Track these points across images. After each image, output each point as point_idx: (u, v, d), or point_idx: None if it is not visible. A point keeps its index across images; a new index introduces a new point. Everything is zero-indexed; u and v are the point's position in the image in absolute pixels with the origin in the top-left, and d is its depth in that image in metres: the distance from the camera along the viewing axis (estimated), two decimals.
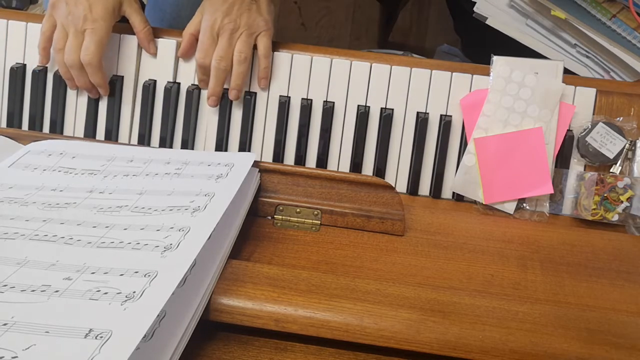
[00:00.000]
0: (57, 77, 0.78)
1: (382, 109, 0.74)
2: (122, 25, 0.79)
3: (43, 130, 0.79)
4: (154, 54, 0.77)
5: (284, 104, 0.75)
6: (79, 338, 0.38)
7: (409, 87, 0.74)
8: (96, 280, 0.44)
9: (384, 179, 0.68)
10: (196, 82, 0.77)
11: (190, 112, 0.77)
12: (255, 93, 0.76)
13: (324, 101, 0.75)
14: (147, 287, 0.43)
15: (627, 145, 0.71)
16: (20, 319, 0.40)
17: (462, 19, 1.14)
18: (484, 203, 0.71)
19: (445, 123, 0.73)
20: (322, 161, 0.75)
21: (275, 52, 0.76)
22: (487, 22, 0.83)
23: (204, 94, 0.76)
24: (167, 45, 0.77)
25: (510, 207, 0.71)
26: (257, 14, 0.74)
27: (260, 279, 0.50)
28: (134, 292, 0.43)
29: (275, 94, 0.76)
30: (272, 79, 0.76)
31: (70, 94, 0.79)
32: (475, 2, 0.84)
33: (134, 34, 0.77)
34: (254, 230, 0.61)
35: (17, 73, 0.79)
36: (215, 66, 0.73)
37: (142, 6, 0.97)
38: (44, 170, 0.62)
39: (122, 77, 0.78)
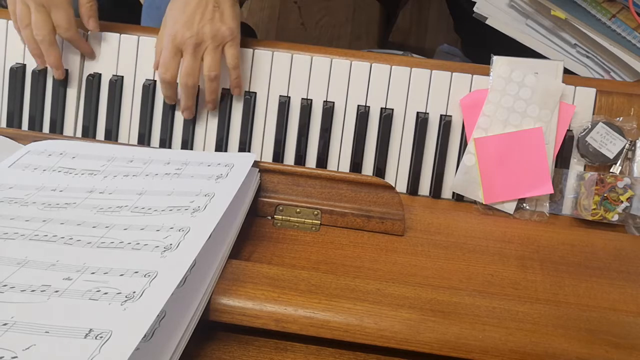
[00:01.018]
0: None
1: (382, 109, 0.74)
2: (121, 25, 0.79)
3: (43, 130, 0.79)
4: (94, 30, 0.76)
5: (284, 104, 0.75)
6: (79, 338, 0.38)
7: (409, 87, 0.74)
8: (96, 281, 0.44)
9: (384, 179, 0.68)
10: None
11: None
12: (255, 93, 0.76)
13: (324, 101, 0.75)
14: (147, 287, 0.43)
15: (627, 145, 0.71)
16: (20, 319, 0.40)
17: (462, 19, 1.14)
18: (484, 203, 0.71)
19: (445, 123, 0.73)
20: (322, 161, 0.75)
21: (275, 52, 0.76)
22: (487, 22, 0.83)
23: (204, 93, 0.76)
24: None
25: (510, 207, 0.71)
26: (221, 23, 0.70)
27: (260, 279, 0.50)
28: (134, 292, 0.43)
29: (275, 94, 0.76)
30: (272, 79, 0.76)
31: (70, 94, 0.79)
32: (475, 2, 0.84)
33: (133, 34, 0.77)
34: (254, 230, 0.61)
35: (17, 73, 0.79)
36: (183, 83, 0.72)
37: (139, 5, 0.97)
38: (44, 170, 0.62)
39: (122, 77, 0.78)
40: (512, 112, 0.72)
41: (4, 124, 0.80)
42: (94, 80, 0.78)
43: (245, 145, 0.76)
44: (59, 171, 0.62)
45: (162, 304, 0.41)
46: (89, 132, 0.78)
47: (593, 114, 0.73)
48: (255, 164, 0.63)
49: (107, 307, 0.41)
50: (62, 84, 0.78)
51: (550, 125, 0.71)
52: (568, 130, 0.72)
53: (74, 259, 0.47)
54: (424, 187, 0.75)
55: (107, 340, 0.38)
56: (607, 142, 0.71)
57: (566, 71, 0.74)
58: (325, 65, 0.75)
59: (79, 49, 0.77)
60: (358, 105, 0.75)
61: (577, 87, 0.73)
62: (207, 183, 0.59)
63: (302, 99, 0.75)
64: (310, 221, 0.63)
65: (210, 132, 0.77)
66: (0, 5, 0.87)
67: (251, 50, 0.76)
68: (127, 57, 0.78)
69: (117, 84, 0.77)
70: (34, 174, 0.62)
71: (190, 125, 0.77)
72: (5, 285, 0.44)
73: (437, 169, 0.74)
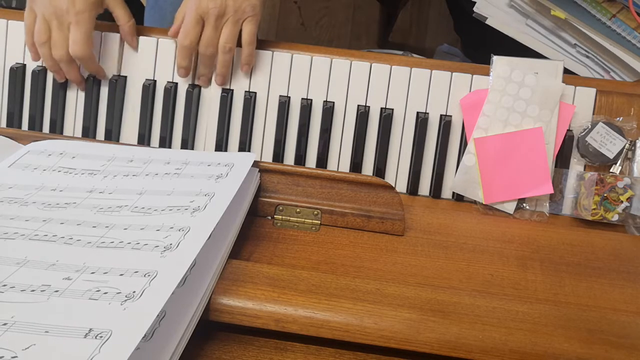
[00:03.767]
0: None
1: (382, 109, 0.74)
2: None
3: (43, 130, 0.79)
4: (136, 49, 0.77)
5: (284, 104, 0.75)
6: (79, 338, 0.38)
7: (409, 87, 0.74)
8: (96, 280, 0.44)
9: (384, 179, 0.68)
10: (196, 82, 0.77)
11: (189, 112, 0.77)
12: (255, 93, 0.76)
13: (324, 101, 0.75)
14: (147, 287, 0.43)
15: (627, 145, 0.71)
16: (20, 318, 0.40)
17: (462, 19, 1.14)
18: (483, 203, 0.71)
19: (445, 123, 0.73)
20: (322, 161, 0.75)
21: (275, 52, 0.76)
22: (487, 22, 0.83)
23: (204, 93, 0.76)
24: (167, 46, 0.77)
25: (510, 207, 0.71)
26: None
27: (260, 279, 0.50)
28: (134, 292, 0.43)
29: (275, 94, 0.76)
30: (272, 79, 0.76)
31: (70, 94, 0.79)
32: (475, 2, 0.84)
33: None
34: (254, 230, 0.61)
35: (17, 73, 0.79)
36: (202, 53, 0.74)
37: (141, 6, 0.97)
38: (44, 170, 0.62)
39: (122, 77, 0.78)
40: (512, 112, 0.72)
41: (4, 124, 0.80)
42: (94, 80, 0.78)
43: (245, 145, 0.76)
44: (59, 171, 0.62)
45: (162, 303, 0.41)
46: (89, 132, 0.78)
47: (593, 114, 0.73)
48: (255, 163, 0.63)
49: (107, 306, 0.41)
50: (62, 84, 0.78)
51: (550, 125, 0.71)
52: (568, 130, 0.72)
53: (73, 259, 0.47)
54: (424, 187, 0.75)
55: (107, 340, 0.38)
56: (607, 142, 0.71)
57: (566, 71, 0.74)
58: (325, 65, 0.75)
59: (89, 69, 0.76)
60: (358, 105, 0.75)
61: (577, 87, 0.73)
62: (207, 183, 0.58)
63: (302, 99, 0.75)
64: (310, 221, 0.63)
65: (210, 132, 0.77)
66: (0, 5, 0.87)
67: None
68: (128, 57, 0.78)
69: (117, 84, 0.77)
70: (34, 174, 0.62)
71: (190, 125, 0.77)
72: (5, 285, 0.44)
73: (437, 169, 0.74)
